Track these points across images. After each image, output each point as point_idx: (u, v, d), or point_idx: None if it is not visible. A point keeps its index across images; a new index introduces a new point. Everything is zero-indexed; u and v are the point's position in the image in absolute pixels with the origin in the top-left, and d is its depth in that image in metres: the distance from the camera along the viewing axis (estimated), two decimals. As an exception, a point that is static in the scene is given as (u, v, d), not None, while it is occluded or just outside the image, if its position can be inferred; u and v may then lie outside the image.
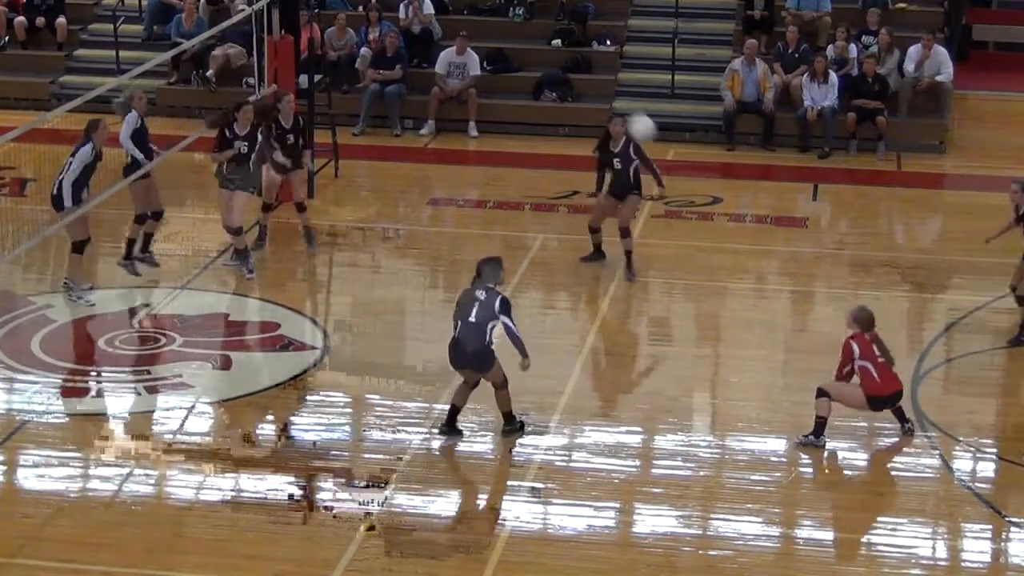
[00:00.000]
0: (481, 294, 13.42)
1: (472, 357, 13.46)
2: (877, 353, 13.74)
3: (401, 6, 25.10)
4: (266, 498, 12.74)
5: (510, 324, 13.37)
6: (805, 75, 23.33)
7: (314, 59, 21.97)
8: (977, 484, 13.27)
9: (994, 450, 13.96)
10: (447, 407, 13.88)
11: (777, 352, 16.19)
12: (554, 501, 12.72)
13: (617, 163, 17.70)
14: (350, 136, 23.20)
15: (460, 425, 13.77)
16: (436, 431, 13.70)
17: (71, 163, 16.22)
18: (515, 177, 21.90)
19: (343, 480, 13.15)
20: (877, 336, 13.82)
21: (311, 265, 18.33)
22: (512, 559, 11.76)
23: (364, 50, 24.39)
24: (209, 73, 24.48)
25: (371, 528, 12.10)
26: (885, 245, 19.64)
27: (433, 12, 25.24)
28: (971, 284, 18.03)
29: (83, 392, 14.76)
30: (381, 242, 19.22)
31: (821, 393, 13.71)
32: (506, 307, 13.42)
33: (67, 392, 14.72)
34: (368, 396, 14.69)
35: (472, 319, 13.36)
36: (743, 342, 16.19)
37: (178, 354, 15.43)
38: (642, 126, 18.21)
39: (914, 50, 23.65)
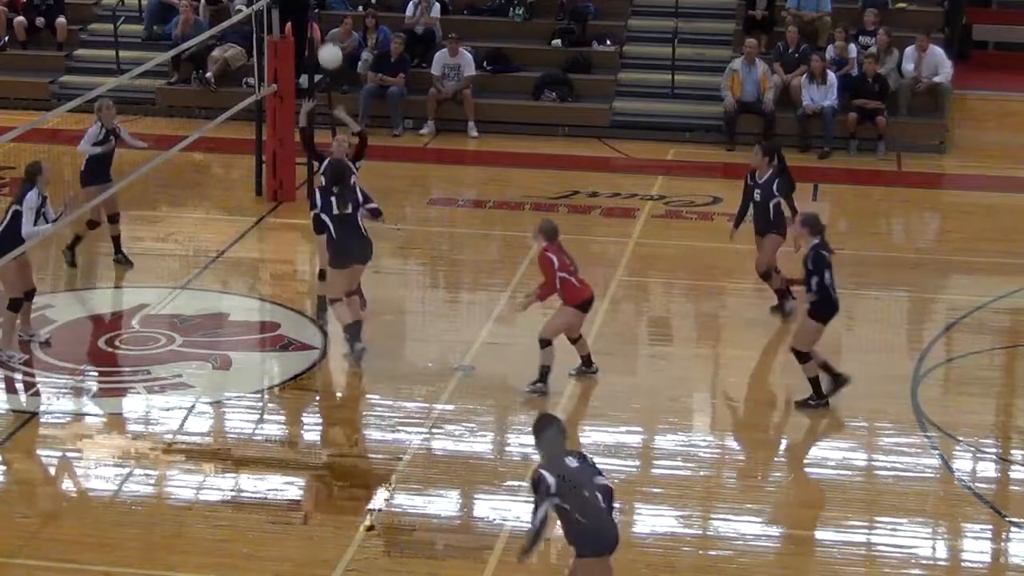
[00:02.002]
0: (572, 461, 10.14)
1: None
2: (568, 261, 14.25)
3: (410, 4, 25.09)
4: (266, 498, 12.75)
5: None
6: (804, 75, 23.33)
7: (314, 59, 21.95)
8: (977, 484, 13.27)
9: (994, 450, 13.96)
10: (446, 407, 13.90)
11: (777, 352, 16.17)
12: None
13: (757, 195, 16.62)
14: (350, 136, 23.16)
15: (461, 427, 13.81)
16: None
17: (16, 211, 14.86)
18: (515, 177, 21.90)
19: (343, 480, 13.16)
20: (562, 245, 14.27)
21: (312, 265, 18.36)
22: (512, 559, 11.73)
23: (366, 54, 24.38)
24: (208, 75, 24.48)
25: (371, 528, 12.11)
26: (885, 245, 19.64)
27: (440, 16, 25.25)
28: (971, 284, 18.03)
29: (83, 392, 14.75)
30: (381, 242, 19.19)
31: (543, 343, 14.28)
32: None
33: (68, 392, 14.72)
34: (368, 396, 14.68)
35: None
36: (743, 342, 16.18)
37: (178, 354, 15.43)
38: (327, 54, 18.11)
39: (910, 51, 23.65)
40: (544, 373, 14.44)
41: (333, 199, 15.04)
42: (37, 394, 14.59)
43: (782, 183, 16.39)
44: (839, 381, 14.47)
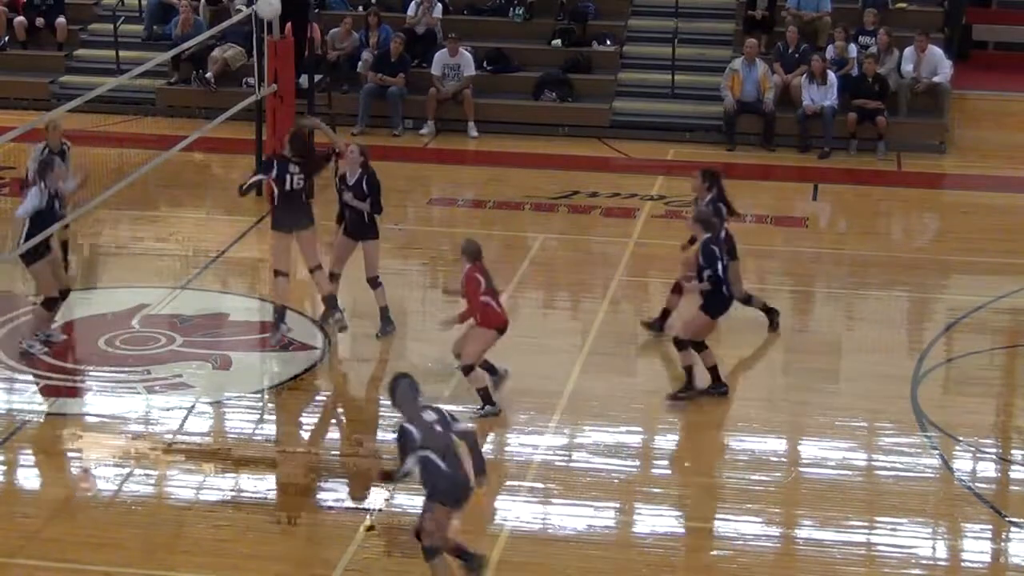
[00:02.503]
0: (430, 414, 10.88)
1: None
2: (490, 285, 14.15)
3: (412, 4, 25.09)
4: (266, 498, 12.75)
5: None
6: (804, 75, 23.33)
7: (314, 59, 21.97)
8: (977, 484, 13.27)
9: (994, 450, 13.96)
10: (447, 407, 13.87)
11: (777, 352, 16.19)
12: (554, 501, 12.73)
13: None
14: (350, 136, 23.19)
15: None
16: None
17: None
18: (515, 177, 21.90)
19: (343, 480, 13.17)
20: (485, 267, 14.20)
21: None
22: (512, 559, 11.76)
23: (366, 54, 24.38)
24: (208, 75, 24.48)
25: (371, 528, 12.10)
26: (885, 245, 19.64)
27: (441, 16, 25.25)
28: (971, 284, 18.04)
29: (83, 392, 14.76)
30: (381, 242, 19.18)
31: (468, 370, 13.99)
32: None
33: (67, 392, 14.72)
34: (368, 396, 14.67)
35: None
36: (743, 342, 16.18)
37: (178, 354, 15.43)
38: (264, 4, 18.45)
39: (910, 51, 23.65)
40: (485, 396, 14.13)
41: (290, 174, 15.19)
42: (37, 394, 14.59)
43: (717, 210, 15.59)
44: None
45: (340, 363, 15.50)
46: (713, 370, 14.54)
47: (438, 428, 10.72)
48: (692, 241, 15.18)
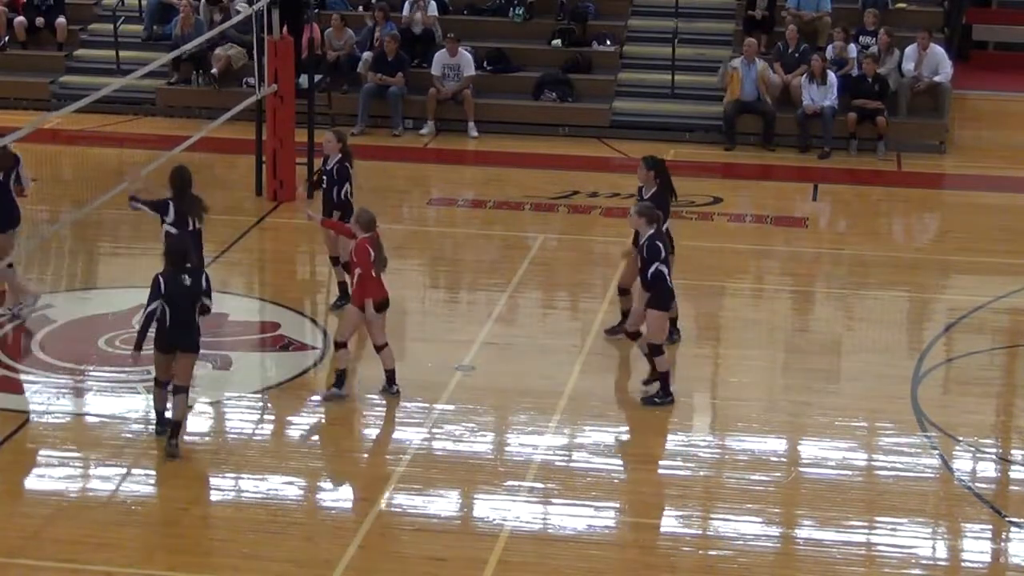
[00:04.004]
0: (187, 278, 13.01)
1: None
2: (379, 259, 14.16)
3: (406, 3, 25.09)
4: (266, 498, 12.74)
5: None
6: (804, 75, 23.33)
7: (314, 59, 21.97)
8: (977, 484, 13.27)
9: (994, 450, 13.96)
10: (446, 407, 13.87)
11: (777, 352, 16.19)
12: (554, 501, 12.73)
13: None
14: (350, 136, 23.18)
15: (461, 427, 13.82)
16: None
17: None
18: (515, 177, 21.90)
19: (343, 480, 13.17)
20: (378, 238, 14.24)
21: (312, 265, 18.35)
22: (512, 559, 11.76)
23: (366, 54, 24.37)
24: (213, 70, 24.46)
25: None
26: (885, 245, 19.64)
27: (437, 14, 25.24)
28: (971, 284, 18.04)
29: (83, 392, 14.76)
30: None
31: (338, 346, 14.31)
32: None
33: (67, 392, 14.72)
34: (368, 396, 14.68)
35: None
36: (743, 342, 16.19)
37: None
38: None
39: (911, 50, 23.66)
40: (340, 377, 14.37)
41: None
42: (37, 394, 14.58)
43: (663, 200, 15.42)
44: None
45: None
46: (665, 376, 14.44)
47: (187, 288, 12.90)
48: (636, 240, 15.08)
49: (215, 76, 24.43)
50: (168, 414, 13.28)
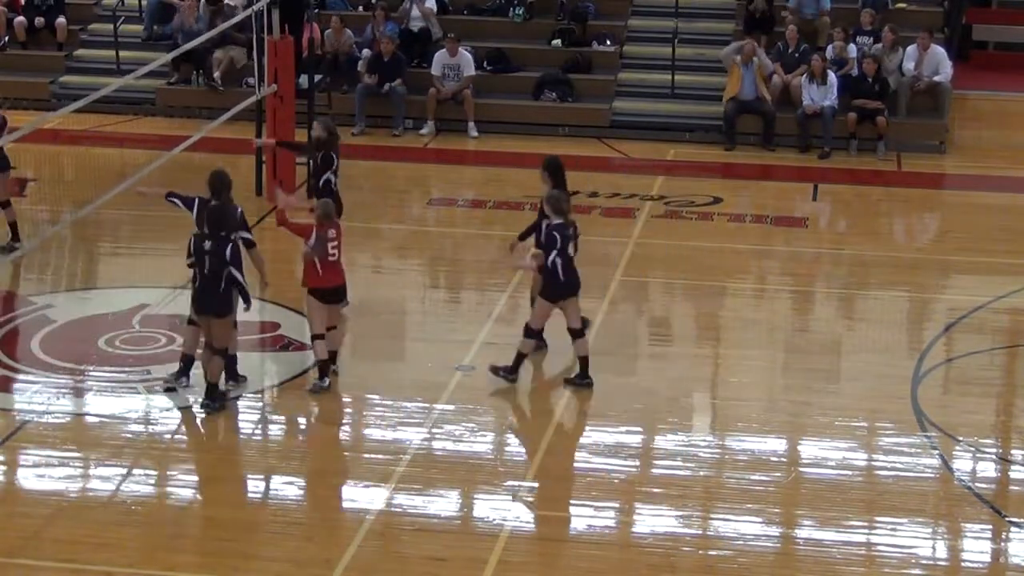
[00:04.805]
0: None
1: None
2: (331, 248, 14.36)
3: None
4: (266, 498, 12.74)
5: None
6: (804, 75, 23.33)
7: (314, 59, 21.98)
8: (977, 484, 13.27)
9: (994, 450, 13.96)
10: (446, 407, 13.87)
11: (777, 352, 16.19)
12: (554, 501, 12.72)
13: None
14: (350, 136, 23.21)
15: (461, 427, 13.82)
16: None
17: None
18: (515, 177, 21.88)
19: (343, 480, 13.17)
20: (339, 228, 14.54)
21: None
22: (512, 559, 11.76)
23: (366, 52, 24.38)
24: (216, 74, 24.44)
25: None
26: (885, 245, 19.64)
27: (435, 8, 25.23)
28: (971, 284, 18.04)
29: (83, 392, 14.76)
30: (381, 242, 19.23)
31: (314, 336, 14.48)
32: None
33: (67, 392, 14.72)
34: (368, 396, 14.68)
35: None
36: (743, 342, 16.19)
37: (178, 354, 15.40)
38: None
39: (911, 50, 23.65)
40: (323, 369, 14.54)
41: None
42: (37, 394, 14.58)
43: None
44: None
45: (339, 363, 15.46)
46: (521, 357, 14.68)
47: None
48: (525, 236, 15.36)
49: (217, 80, 24.39)
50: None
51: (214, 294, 13.82)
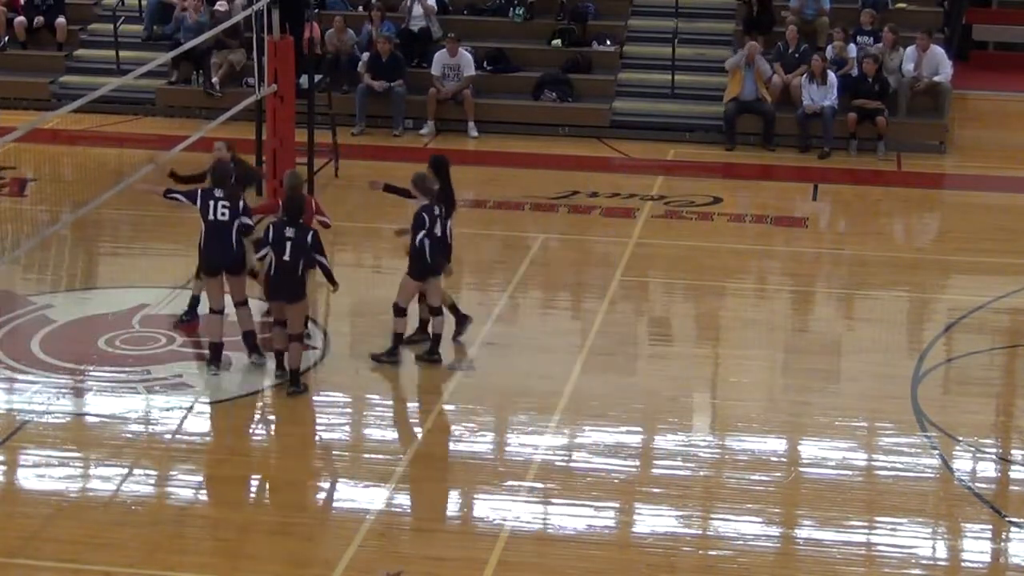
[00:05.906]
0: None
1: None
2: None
3: None
4: (265, 498, 12.74)
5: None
6: (804, 75, 23.33)
7: (314, 59, 21.96)
8: (977, 484, 13.27)
9: (994, 450, 13.96)
10: (447, 407, 13.85)
11: (777, 352, 16.19)
12: (554, 501, 12.73)
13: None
14: (350, 136, 23.22)
15: (461, 427, 13.81)
16: None
17: None
18: (515, 177, 21.89)
19: (343, 480, 13.17)
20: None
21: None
22: (512, 559, 11.76)
23: (367, 54, 24.36)
24: (214, 79, 24.42)
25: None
26: (885, 245, 19.64)
27: (435, 6, 25.23)
28: (971, 284, 18.04)
29: (83, 392, 14.76)
30: (381, 242, 19.21)
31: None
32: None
33: (67, 392, 14.72)
34: (368, 396, 14.68)
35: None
36: (743, 342, 16.19)
37: (178, 354, 15.43)
38: None
39: (911, 50, 23.66)
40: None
41: (212, 203, 14.76)
42: (37, 394, 14.59)
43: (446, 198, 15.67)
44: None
45: (339, 363, 15.47)
46: (399, 337, 15.12)
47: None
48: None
49: (215, 85, 24.35)
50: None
51: (290, 280, 14.23)
